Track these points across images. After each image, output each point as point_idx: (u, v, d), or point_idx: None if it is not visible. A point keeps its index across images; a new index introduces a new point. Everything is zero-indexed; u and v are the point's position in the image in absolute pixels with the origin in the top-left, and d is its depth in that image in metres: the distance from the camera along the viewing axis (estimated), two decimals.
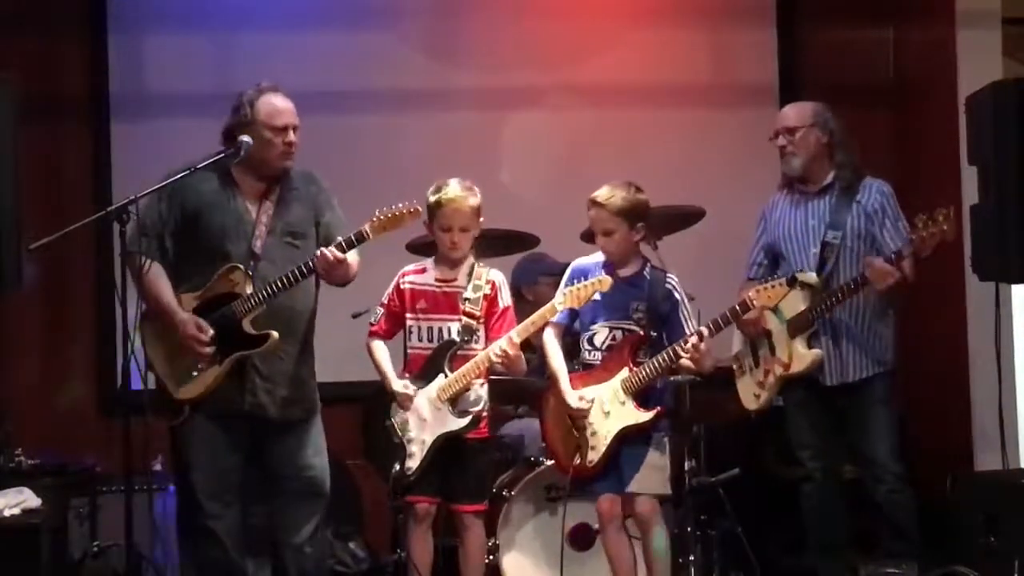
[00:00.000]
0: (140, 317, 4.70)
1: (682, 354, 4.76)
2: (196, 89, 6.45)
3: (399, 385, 4.94)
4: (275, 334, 4.64)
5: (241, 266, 4.66)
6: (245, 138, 4.70)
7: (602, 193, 4.89)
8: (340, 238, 4.66)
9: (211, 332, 4.62)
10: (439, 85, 6.61)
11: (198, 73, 6.51)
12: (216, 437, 4.70)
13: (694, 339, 4.74)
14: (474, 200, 4.94)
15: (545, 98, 6.66)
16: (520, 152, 6.59)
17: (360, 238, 4.64)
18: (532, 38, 6.63)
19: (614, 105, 6.64)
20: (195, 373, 4.66)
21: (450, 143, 6.50)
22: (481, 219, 4.98)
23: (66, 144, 6.54)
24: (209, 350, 4.63)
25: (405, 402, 4.92)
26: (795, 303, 5.05)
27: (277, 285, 4.62)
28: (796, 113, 5.27)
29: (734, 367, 5.30)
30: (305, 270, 4.63)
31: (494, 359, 4.84)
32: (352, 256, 4.70)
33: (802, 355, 5.08)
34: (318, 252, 4.62)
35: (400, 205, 4.67)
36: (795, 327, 5.08)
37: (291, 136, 4.73)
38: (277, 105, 4.74)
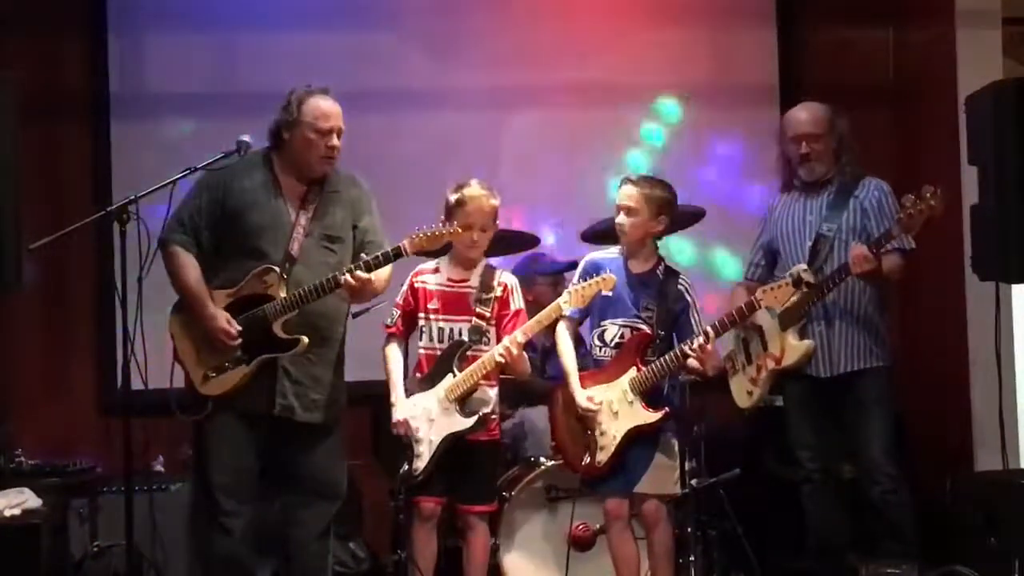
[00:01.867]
0: (171, 309, 4.73)
1: (689, 353, 4.76)
2: (196, 89, 6.46)
3: (401, 412, 4.92)
4: (305, 339, 4.63)
5: (276, 268, 4.65)
6: (245, 137, 4.69)
7: (637, 174, 4.95)
8: (365, 256, 4.64)
9: (239, 328, 4.62)
10: (439, 85, 6.61)
11: (198, 73, 6.51)
12: (239, 436, 4.69)
13: (700, 339, 4.74)
14: (495, 201, 4.94)
15: (545, 98, 6.66)
16: (520, 152, 6.58)
17: (397, 254, 4.65)
18: (532, 38, 6.62)
19: (614, 105, 6.64)
20: (222, 371, 4.65)
21: (450, 143, 6.50)
22: (497, 221, 4.97)
23: (66, 144, 6.53)
24: (236, 344, 4.62)
25: (398, 430, 4.91)
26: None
27: (309, 294, 4.61)
28: (814, 119, 5.22)
29: (727, 366, 5.29)
30: (334, 284, 4.61)
31: (498, 358, 4.83)
32: (384, 271, 4.70)
33: (794, 347, 5.07)
34: (342, 278, 4.60)
35: (442, 225, 4.68)
36: (786, 319, 5.07)
37: (334, 140, 4.70)
38: (323, 107, 4.71)
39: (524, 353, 4.93)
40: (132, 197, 4.57)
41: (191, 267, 4.69)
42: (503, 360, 4.83)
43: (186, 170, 4.67)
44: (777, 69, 6.76)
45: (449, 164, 6.08)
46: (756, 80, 6.74)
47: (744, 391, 5.24)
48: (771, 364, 5.11)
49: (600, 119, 6.64)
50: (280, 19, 6.52)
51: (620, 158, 6.48)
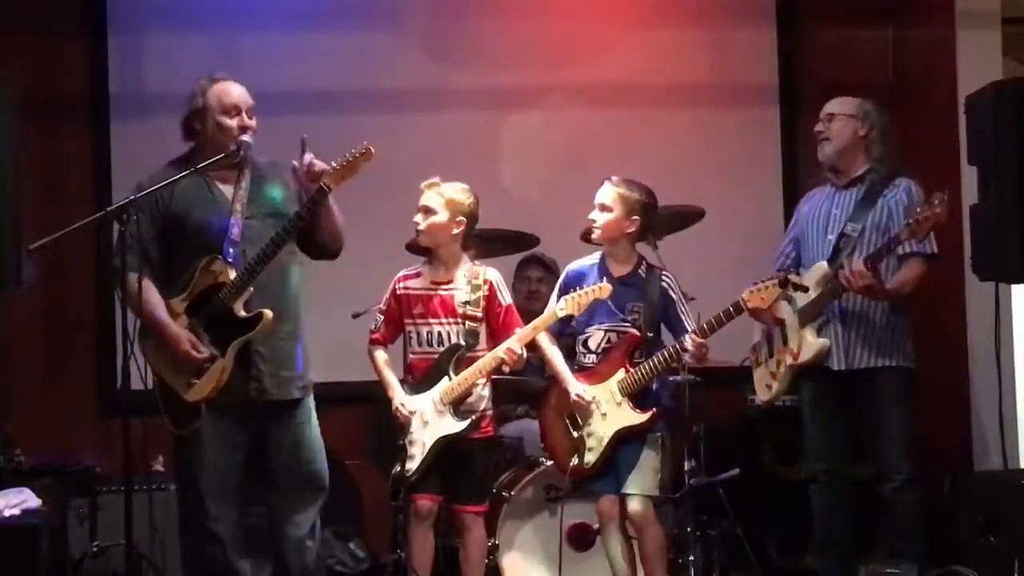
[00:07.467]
0: (137, 332, 4.68)
1: (688, 345, 4.76)
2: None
3: (410, 404, 4.93)
4: (268, 312, 4.57)
5: (220, 256, 4.61)
6: (245, 138, 4.68)
7: (617, 176, 4.96)
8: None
9: (206, 353, 4.58)
10: (439, 85, 6.61)
11: (198, 73, 6.43)
12: (219, 436, 4.66)
13: (690, 341, 4.75)
14: (453, 193, 4.94)
15: (545, 98, 6.67)
16: (520, 152, 6.59)
17: (322, 192, 4.57)
18: (532, 38, 6.63)
19: (614, 105, 6.64)
20: (202, 373, 4.60)
21: (450, 143, 6.50)
22: (459, 219, 4.93)
23: (66, 144, 6.54)
24: (206, 357, 4.59)
25: (404, 423, 4.91)
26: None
27: (257, 262, 4.55)
28: (840, 102, 5.26)
29: (751, 358, 5.31)
30: (278, 239, 4.54)
31: (504, 356, 4.82)
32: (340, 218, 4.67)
33: (810, 344, 5.07)
34: (285, 225, 4.54)
35: (352, 150, 4.61)
36: (805, 316, 5.08)
37: (245, 119, 4.70)
38: (229, 89, 4.73)
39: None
40: (132, 197, 4.56)
41: (146, 291, 4.59)
42: (509, 360, 4.83)
43: (186, 170, 4.66)
44: (777, 69, 6.77)
45: (449, 164, 6.07)
46: (756, 80, 6.75)
47: (764, 384, 5.25)
48: (789, 359, 5.12)
49: (600, 119, 6.64)
50: (280, 19, 6.52)
51: (620, 158, 6.47)
